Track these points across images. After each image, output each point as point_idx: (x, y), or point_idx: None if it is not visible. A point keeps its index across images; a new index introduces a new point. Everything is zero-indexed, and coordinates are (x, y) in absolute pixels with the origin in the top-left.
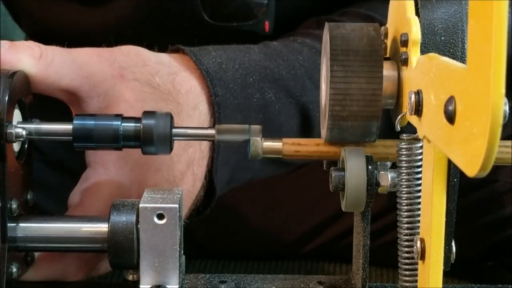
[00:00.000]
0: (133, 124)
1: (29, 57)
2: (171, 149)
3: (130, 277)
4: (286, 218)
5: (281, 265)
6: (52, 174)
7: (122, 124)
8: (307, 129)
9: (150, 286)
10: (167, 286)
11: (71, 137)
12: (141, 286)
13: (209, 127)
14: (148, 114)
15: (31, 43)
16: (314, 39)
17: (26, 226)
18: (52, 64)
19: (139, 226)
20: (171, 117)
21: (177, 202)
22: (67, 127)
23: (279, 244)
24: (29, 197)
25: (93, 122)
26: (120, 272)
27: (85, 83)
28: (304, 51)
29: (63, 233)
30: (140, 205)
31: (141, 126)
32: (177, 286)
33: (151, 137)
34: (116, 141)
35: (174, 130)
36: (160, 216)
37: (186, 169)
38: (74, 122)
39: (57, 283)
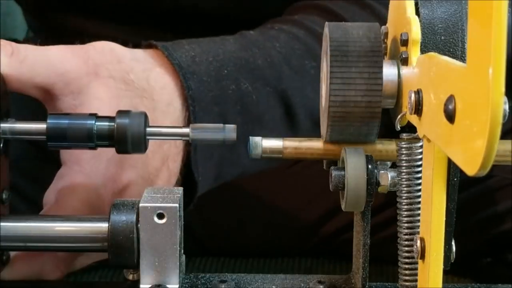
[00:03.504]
0: (107, 123)
1: (1, 55)
2: (145, 148)
3: (130, 277)
4: (285, 213)
5: (281, 263)
6: (52, 171)
7: (96, 123)
8: (290, 116)
9: (150, 286)
10: (167, 285)
11: (45, 137)
12: (141, 285)
13: (183, 126)
14: (122, 113)
15: (2, 42)
16: (292, 25)
17: (27, 226)
18: (24, 61)
19: (139, 225)
20: (146, 116)
21: (177, 201)
22: (41, 126)
23: (279, 240)
24: (4, 196)
25: (67, 121)
26: (120, 272)
27: (59, 80)
28: (281, 37)
29: (63, 232)
30: (140, 205)
31: (115, 126)
32: (177, 286)
33: (125, 137)
34: (90, 140)
35: (148, 129)
36: (160, 216)
37: (161, 165)
38: (48, 121)
39: (58, 282)
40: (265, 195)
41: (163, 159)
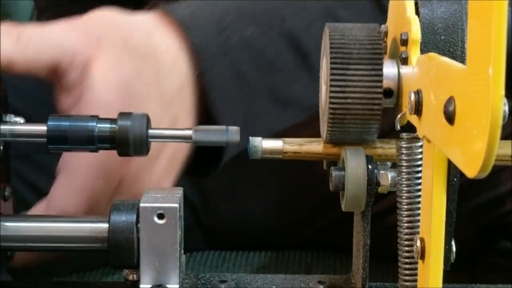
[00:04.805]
0: (108, 125)
1: (7, 41)
2: (147, 151)
3: (130, 277)
4: (284, 204)
5: (282, 257)
6: None
7: (97, 125)
8: (302, 56)
9: (150, 286)
10: (167, 285)
11: (45, 139)
12: (141, 285)
13: (186, 128)
14: (124, 115)
15: (6, 26)
16: None
17: (27, 226)
18: (30, 42)
19: (139, 225)
20: (148, 118)
21: (177, 201)
22: (41, 128)
23: (280, 231)
24: (6, 194)
25: (67, 123)
26: (120, 272)
27: (65, 56)
28: None
29: (63, 232)
30: (141, 205)
31: (117, 128)
32: (177, 286)
33: (127, 139)
34: (91, 143)
35: (150, 131)
36: (160, 216)
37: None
38: (48, 123)
39: (58, 283)
40: (264, 185)
41: (172, 123)
